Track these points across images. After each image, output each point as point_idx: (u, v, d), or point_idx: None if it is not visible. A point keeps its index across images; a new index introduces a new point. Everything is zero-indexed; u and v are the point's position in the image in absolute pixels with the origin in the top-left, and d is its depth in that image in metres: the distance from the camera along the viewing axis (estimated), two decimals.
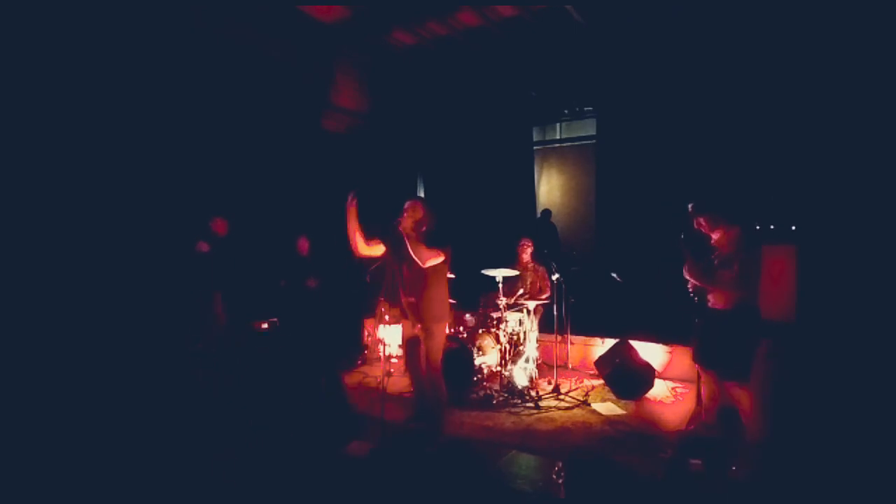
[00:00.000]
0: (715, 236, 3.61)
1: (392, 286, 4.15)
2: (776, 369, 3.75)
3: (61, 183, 4.35)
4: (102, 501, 3.01)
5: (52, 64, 4.30)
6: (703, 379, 3.85)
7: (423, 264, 3.70)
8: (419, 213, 3.80)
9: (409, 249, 3.69)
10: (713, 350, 3.57)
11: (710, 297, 3.63)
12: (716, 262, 3.55)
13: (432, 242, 3.74)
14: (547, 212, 8.71)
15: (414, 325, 3.90)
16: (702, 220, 3.65)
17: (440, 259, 3.76)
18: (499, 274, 4.94)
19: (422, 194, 8.43)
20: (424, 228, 3.79)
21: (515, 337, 5.24)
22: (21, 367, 3.85)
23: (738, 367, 3.38)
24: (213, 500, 3.12)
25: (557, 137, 9.48)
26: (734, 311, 3.44)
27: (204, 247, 5.28)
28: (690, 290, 3.81)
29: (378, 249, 3.84)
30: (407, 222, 3.74)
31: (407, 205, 3.83)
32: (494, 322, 5.20)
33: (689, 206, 3.71)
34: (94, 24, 4.53)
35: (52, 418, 3.62)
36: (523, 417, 4.44)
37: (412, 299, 3.83)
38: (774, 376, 3.71)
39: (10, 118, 4.06)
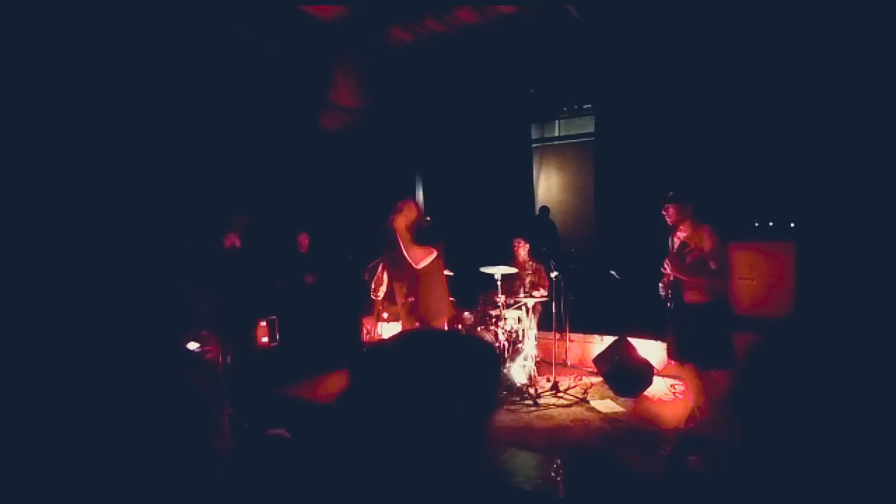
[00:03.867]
0: (681, 231, 3.77)
1: (379, 282, 4.15)
2: (773, 365, 3.77)
3: (60, 183, 4.34)
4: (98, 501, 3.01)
5: (51, 62, 4.29)
6: (683, 375, 3.91)
7: (417, 265, 3.68)
8: (413, 214, 3.80)
9: (403, 250, 3.67)
10: (691, 342, 3.66)
11: (688, 292, 3.70)
12: (687, 257, 3.66)
13: (424, 240, 3.73)
14: (545, 209, 8.70)
15: (412, 324, 3.89)
16: (670, 208, 3.79)
17: (433, 256, 3.74)
18: (497, 271, 4.94)
19: (420, 192, 8.43)
20: (417, 226, 3.78)
21: (514, 334, 5.24)
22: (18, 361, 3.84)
23: (718, 355, 3.48)
24: (212, 499, 3.11)
25: (556, 135, 9.45)
26: (711, 303, 3.57)
27: (235, 241, 5.23)
28: (662, 291, 3.93)
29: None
30: (401, 222, 3.71)
31: (400, 204, 3.80)
32: (493, 320, 5.20)
33: (670, 193, 3.82)
34: (94, 24, 4.52)
35: (47, 415, 3.61)
36: (522, 415, 4.45)
37: (411, 299, 3.83)
38: (771, 372, 3.74)
39: (11, 118, 4.06)
